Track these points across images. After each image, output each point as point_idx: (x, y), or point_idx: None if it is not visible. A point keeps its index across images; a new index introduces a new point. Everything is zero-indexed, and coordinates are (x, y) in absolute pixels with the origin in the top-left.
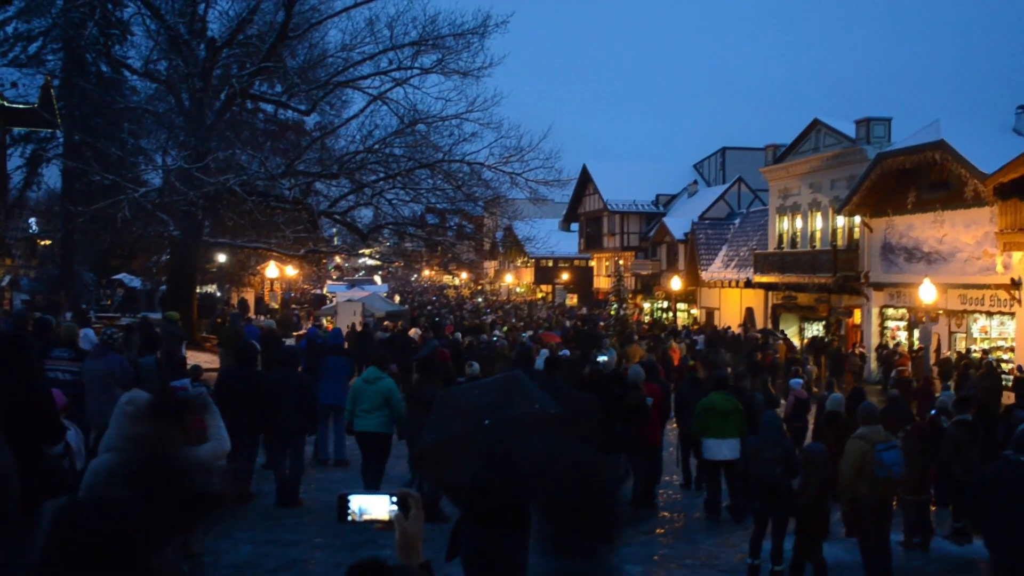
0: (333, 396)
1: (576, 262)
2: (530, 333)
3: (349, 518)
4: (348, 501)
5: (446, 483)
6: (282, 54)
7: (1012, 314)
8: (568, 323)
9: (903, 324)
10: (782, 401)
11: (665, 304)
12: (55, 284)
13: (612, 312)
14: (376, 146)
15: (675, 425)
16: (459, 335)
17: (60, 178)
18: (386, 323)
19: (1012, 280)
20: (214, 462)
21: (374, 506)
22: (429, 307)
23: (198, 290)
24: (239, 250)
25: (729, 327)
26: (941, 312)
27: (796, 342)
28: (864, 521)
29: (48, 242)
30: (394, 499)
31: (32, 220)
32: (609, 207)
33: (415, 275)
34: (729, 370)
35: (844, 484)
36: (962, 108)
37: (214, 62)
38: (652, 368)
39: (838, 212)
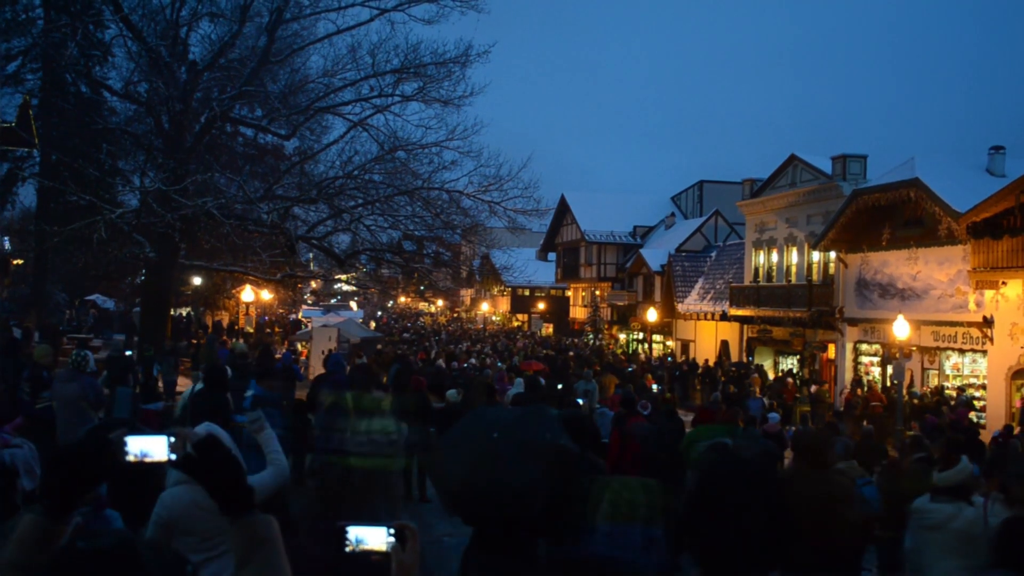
0: None
1: (553, 292)
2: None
3: (347, 548)
4: (346, 532)
5: (443, 488)
6: (263, 78)
7: (984, 352)
8: (544, 352)
9: (877, 360)
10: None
11: (641, 335)
12: (27, 304)
13: (588, 341)
14: (355, 172)
15: None
16: (441, 362)
17: (35, 197)
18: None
19: (984, 318)
20: (279, 488)
21: (371, 537)
22: (406, 333)
23: (172, 312)
24: (215, 273)
25: (707, 359)
26: (914, 348)
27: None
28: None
29: (21, 261)
30: (391, 531)
31: (5, 239)
32: (587, 237)
33: (391, 301)
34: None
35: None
36: (937, 147)
37: (195, 85)
38: (630, 400)
39: (814, 247)
